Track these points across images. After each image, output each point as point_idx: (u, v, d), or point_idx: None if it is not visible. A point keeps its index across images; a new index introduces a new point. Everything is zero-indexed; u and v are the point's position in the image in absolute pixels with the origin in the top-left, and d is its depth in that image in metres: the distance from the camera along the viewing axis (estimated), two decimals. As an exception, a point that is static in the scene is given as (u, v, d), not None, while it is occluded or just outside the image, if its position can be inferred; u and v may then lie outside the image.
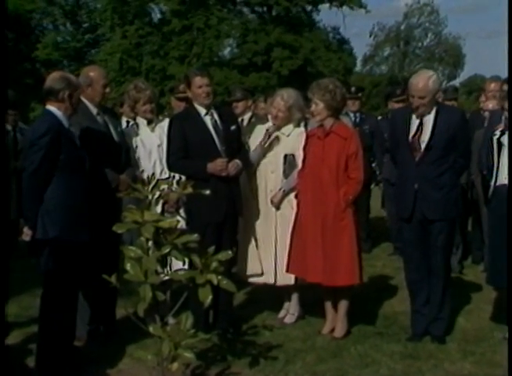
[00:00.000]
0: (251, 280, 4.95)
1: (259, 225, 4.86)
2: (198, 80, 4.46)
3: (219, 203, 4.39)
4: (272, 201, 4.79)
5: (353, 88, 7.40)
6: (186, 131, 4.46)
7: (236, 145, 4.60)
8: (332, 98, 4.44)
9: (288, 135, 4.87)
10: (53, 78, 3.88)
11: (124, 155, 4.49)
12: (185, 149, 4.45)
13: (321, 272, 4.39)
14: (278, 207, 4.80)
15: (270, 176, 4.85)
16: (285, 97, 4.84)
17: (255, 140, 4.98)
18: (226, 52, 31.61)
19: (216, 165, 4.38)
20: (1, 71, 3.39)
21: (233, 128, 4.62)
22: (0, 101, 3.39)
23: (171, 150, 4.49)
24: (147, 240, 3.28)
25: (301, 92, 5.15)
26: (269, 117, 5.05)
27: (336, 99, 4.46)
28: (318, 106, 4.46)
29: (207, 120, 4.52)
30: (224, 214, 4.45)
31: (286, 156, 4.82)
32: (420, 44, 41.51)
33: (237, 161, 4.49)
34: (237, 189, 4.63)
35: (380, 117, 7.85)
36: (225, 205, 4.45)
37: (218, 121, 4.54)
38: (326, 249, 4.40)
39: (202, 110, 4.52)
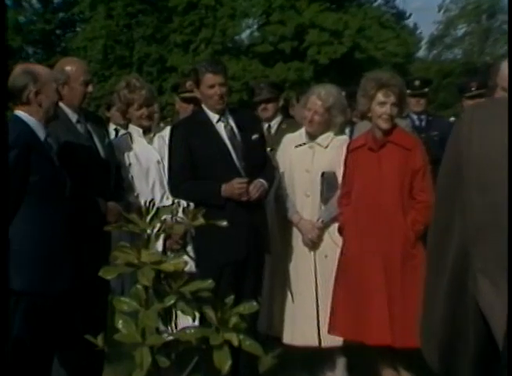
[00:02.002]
0: (286, 341, 4.95)
1: (293, 268, 4.88)
2: (210, 78, 4.48)
3: (239, 237, 4.39)
4: (307, 235, 4.79)
5: (417, 82, 7.30)
6: (193, 142, 4.50)
7: (259, 160, 4.63)
8: (405, 96, 4.56)
9: (326, 147, 4.88)
10: (14, 75, 3.91)
11: (112, 175, 4.53)
12: (191, 166, 4.50)
13: (388, 332, 4.27)
14: (317, 244, 4.82)
15: (305, 201, 4.87)
16: (323, 96, 4.84)
17: (283, 153, 5.02)
18: (244, 36, 31.84)
19: (233, 187, 4.40)
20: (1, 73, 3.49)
21: (255, 137, 4.65)
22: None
23: (174, 168, 4.55)
24: (145, 287, 3.33)
25: (344, 87, 5.19)
26: (303, 121, 5.04)
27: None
28: (395, 107, 4.46)
29: (221, 128, 4.56)
30: (245, 251, 4.48)
31: (323, 174, 4.82)
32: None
33: (261, 181, 4.52)
34: (262, 217, 4.66)
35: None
36: (245, 240, 4.47)
37: (235, 129, 4.59)
38: (394, 299, 4.31)
39: (214, 116, 4.57)
